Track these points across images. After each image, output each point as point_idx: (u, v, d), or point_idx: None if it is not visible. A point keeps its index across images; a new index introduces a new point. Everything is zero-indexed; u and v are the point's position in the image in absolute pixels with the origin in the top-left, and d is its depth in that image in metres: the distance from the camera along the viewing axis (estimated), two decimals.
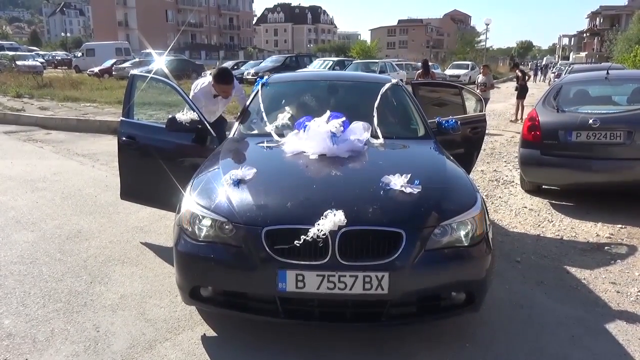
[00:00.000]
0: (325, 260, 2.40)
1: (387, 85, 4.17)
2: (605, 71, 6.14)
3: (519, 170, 6.33)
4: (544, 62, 55.35)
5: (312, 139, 3.23)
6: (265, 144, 3.57)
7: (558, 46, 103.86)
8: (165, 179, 3.75)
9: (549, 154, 5.51)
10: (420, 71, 11.58)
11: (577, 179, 5.50)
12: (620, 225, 4.97)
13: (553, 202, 5.78)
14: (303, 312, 2.60)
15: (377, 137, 3.59)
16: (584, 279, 3.80)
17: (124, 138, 4.18)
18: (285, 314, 2.54)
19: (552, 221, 5.18)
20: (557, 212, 5.47)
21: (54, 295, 3.35)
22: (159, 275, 3.63)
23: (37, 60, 33.01)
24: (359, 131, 3.37)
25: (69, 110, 12.87)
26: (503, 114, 14.96)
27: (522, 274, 3.89)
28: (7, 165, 7.22)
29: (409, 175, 2.75)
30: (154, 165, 4.06)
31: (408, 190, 2.67)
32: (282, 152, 3.32)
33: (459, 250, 2.60)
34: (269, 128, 3.73)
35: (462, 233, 2.62)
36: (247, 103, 4.23)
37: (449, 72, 32.90)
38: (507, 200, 5.96)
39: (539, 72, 41.35)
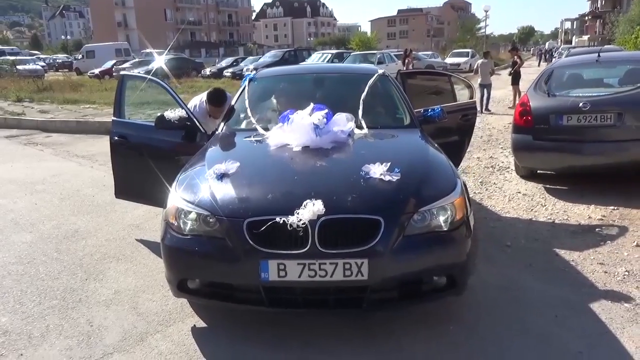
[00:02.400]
0: (306, 249, 2.45)
1: (374, 77, 4.19)
2: (597, 54, 6.14)
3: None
4: (546, 47, 54.99)
5: (295, 131, 3.29)
6: (250, 139, 3.62)
7: (560, 30, 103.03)
8: (157, 177, 3.82)
9: (541, 139, 5.52)
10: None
11: (569, 162, 5.52)
12: (612, 207, 4.99)
13: (547, 186, 5.81)
14: (287, 300, 2.66)
15: (361, 128, 3.63)
16: (573, 260, 3.84)
17: (115, 138, 4.24)
18: (270, 302, 2.60)
19: (545, 205, 5.21)
20: (550, 196, 5.50)
21: (49, 293, 3.43)
22: (153, 270, 3.71)
23: (38, 64, 33.14)
24: (342, 122, 3.42)
25: (69, 112, 12.98)
26: (502, 100, 14.91)
27: (511, 257, 3.94)
28: (7, 169, 7.33)
29: (388, 164, 2.80)
30: (146, 163, 4.12)
31: (387, 178, 2.72)
32: (267, 145, 3.37)
33: (438, 235, 2.65)
34: (255, 122, 3.78)
35: (442, 218, 2.67)
36: (235, 99, 4.28)
37: (449, 60, 32.81)
38: (502, 186, 5.99)
39: (543, 57, 41.14)
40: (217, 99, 4.28)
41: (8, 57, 33.97)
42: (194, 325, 2.99)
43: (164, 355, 2.70)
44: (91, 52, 37.99)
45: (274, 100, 4.06)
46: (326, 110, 3.39)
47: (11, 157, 8.32)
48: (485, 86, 13.13)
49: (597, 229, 4.48)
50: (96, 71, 29.23)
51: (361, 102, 3.85)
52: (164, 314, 3.12)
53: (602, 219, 4.74)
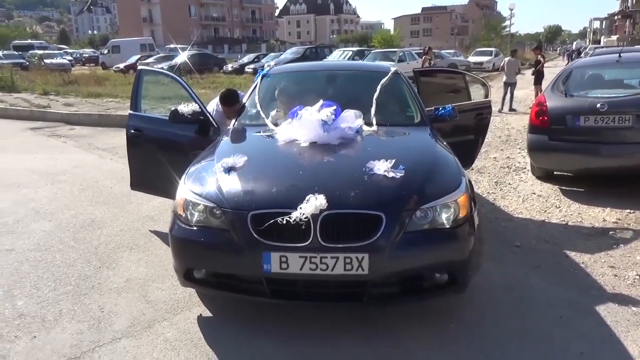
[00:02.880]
0: (307, 243, 2.50)
1: (386, 76, 4.20)
2: (618, 54, 6.04)
3: None
4: (573, 47, 53.87)
5: (303, 127, 3.33)
6: (260, 134, 3.68)
7: (589, 30, 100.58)
8: (171, 169, 3.90)
9: (557, 140, 5.46)
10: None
11: (585, 164, 5.45)
12: (628, 210, 4.92)
13: (563, 188, 5.74)
14: (288, 292, 2.71)
15: (370, 125, 3.66)
16: (583, 262, 3.81)
17: (132, 131, 4.35)
18: (272, 294, 2.66)
19: (559, 207, 5.16)
20: (565, 198, 5.44)
21: (64, 279, 3.55)
22: (164, 260, 3.80)
23: (65, 59, 33.88)
24: (351, 119, 3.45)
25: (92, 106, 13.26)
26: (524, 100, 14.70)
27: (519, 258, 3.92)
28: (31, 160, 7.54)
29: (393, 161, 2.83)
30: (160, 156, 4.23)
31: (391, 174, 2.75)
32: (275, 140, 3.43)
33: (440, 232, 2.67)
34: (265, 118, 3.84)
35: (444, 216, 2.69)
36: (248, 95, 4.34)
37: (472, 59, 32.43)
38: (517, 186, 5.94)
39: (572, 57, 40.35)
40: (229, 99, 4.34)
41: (37, 51, 34.89)
42: (200, 314, 3.06)
43: (170, 342, 2.78)
44: (116, 47, 38.57)
45: (285, 97, 4.10)
46: (334, 107, 3.43)
47: (35, 148, 8.56)
48: (510, 85, 12.99)
49: (610, 232, 4.43)
50: (121, 66, 29.65)
51: (374, 101, 3.87)
52: (172, 302, 3.21)
53: (617, 222, 4.67)
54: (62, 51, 44.62)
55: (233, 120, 4.09)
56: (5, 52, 36.24)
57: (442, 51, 33.02)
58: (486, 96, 5.23)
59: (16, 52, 37.20)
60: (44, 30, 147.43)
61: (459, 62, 29.30)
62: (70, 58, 37.92)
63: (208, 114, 4.13)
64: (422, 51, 21.14)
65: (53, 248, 4.13)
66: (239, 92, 4.52)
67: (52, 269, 3.72)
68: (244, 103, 4.24)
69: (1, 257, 3.94)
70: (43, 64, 26.32)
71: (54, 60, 30.02)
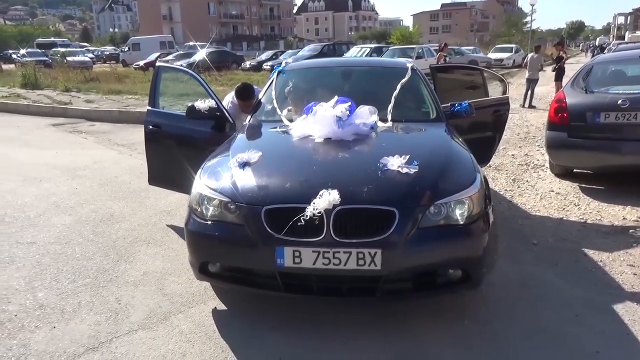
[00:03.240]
0: (321, 238, 2.51)
1: (407, 74, 4.17)
2: None
3: None
4: (597, 43, 52.81)
5: (318, 122, 3.35)
6: (275, 129, 3.71)
7: (613, 25, 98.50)
8: (187, 165, 3.95)
9: (577, 136, 5.38)
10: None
11: (605, 161, 5.35)
12: None
13: (583, 185, 5.65)
14: (302, 286, 2.73)
15: (385, 121, 3.65)
16: (601, 261, 3.75)
17: (150, 127, 4.41)
18: (285, 288, 2.68)
19: (578, 205, 5.08)
20: (585, 195, 5.35)
21: (83, 272, 3.63)
22: (180, 255, 3.85)
23: (86, 56, 34.41)
24: (365, 115, 3.45)
25: (112, 102, 13.46)
26: (544, 97, 14.48)
27: (536, 255, 3.88)
28: (52, 155, 7.70)
29: (407, 156, 2.82)
30: (177, 151, 4.29)
31: (404, 170, 2.74)
32: (290, 136, 3.45)
33: (454, 228, 2.65)
34: (281, 114, 3.86)
35: (458, 212, 2.68)
36: (263, 91, 4.37)
37: (491, 55, 32.02)
38: (535, 184, 5.87)
39: (595, 52, 39.61)
40: (245, 93, 4.37)
41: (59, 49, 35.53)
42: (215, 307, 3.11)
43: (185, 335, 2.83)
44: (137, 45, 38.99)
45: (300, 93, 4.12)
46: (349, 103, 3.43)
47: (57, 144, 8.73)
48: (532, 81, 12.83)
49: (630, 231, 4.35)
50: (141, 63, 30.01)
51: (393, 98, 3.86)
52: (187, 295, 3.26)
53: (638, 221, 4.59)
54: (83, 49, 45.42)
55: (249, 116, 4.12)
56: (29, 50, 36.97)
57: (462, 47, 32.68)
58: (504, 92, 5.18)
59: (39, 50, 37.98)
60: (67, 28, 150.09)
61: (479, 58, 28.95)
62: (91, 56, 38.49)
63: (224, 110, 4.16)
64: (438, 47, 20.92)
65: (73, 241, 4.21)
66: (254, 87, 4.55)
67: (72, 262, 3.80)
68: (260, 99, 4.27)
69: (23, 250, 4.04)
70: (65, 61, 26.78)
71: (76, 58, 30.48)
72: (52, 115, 12.22)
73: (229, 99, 4.69)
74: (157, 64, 4.80)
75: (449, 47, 17.66)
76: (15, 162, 7.21)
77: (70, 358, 2.63)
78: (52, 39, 55.58)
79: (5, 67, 30.85)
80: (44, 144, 8.73)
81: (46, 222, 4.71)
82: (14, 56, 37.50)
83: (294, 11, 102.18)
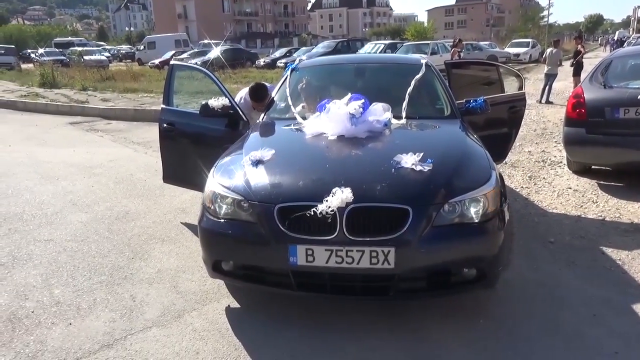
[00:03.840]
0: (334, 236, 2.50)
1: (421, 71, 4.13)
2: None
3: None
4: (616, 37, 51.82)
5: (331, 120, 3.33)
6: (289, 127, 3.70)
7: (632, 18, 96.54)
8: (201, 163, 3.97)
9: (595, 132, 5.28)
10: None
11: (624, 158, 5.25)
12: None
13: (601, 182, 5.56)
14: (315, 284, 2.72)
15: (399, 118, 3.62)
16: (620, 259, 3.68)
17: (164, 125, 4.43)
18: (298, 286, 2.67)
19: (596, 202, 5.00)
20: (603, 193, 5.26)
21: (99, 269, 3.67)
22: (194, 252, 3.87)
23: (103, 55, 34.76)
24: (379, 112, 3.42)
25: (128, 101, 13.58)
26: (562, 92, 14.25)
27: (553, 254, 3.82)
28: (69, 153, 7.80)
29: (421, 154, 2.79)
30: (191, 149, 4.31)
31: (418, 168, 2.71)
32: (303, 134, 3.43)
33: (469, 226, 2.62)
34: (294, 111, 3.85)
35: (473, 210, 2.64)
36: (277, 88, 4.36)
37: (508, 50, 31.63)
38: (552, 181, 5.78)
39: (614, 46, 38.88)
40: (258, 93, 4.34)
41: (76, 48, 35.96)
42: (229, 305, 3.11)
43: (198, 332, 2.84)
44: (152, 43, 39.25)
45: (314, 90, 4.10)
46: (363, 100, 3.41)
47: (74, 142, 8.83)
48: (550, 76, 12.65)
49: None
50: (156, 61, 30.23)
51: (407, 95, 3.81)
52: (201, 293, 3.27)
53: None
54: (100, 48, 45.91)
55: (262, 114, 4.11)
56: (47, 49, 37.48)
57: (480, 43, 32.33)
58: (520, 88, 5.10)
59: (57, 50, 38.45)
60: (84, 28, 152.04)
61: (498, 53, 28.65)
62: (108, 54, 38.84)
63: (238, 108, 4.17)
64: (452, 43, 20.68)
65: (89, 239, 4.26)
66: (268, 85, 4.54)
67: (88, 259, 3.84)
68: (273, 97, 4.26)
69: (40, 247, 4.09)
70: (82, 60, 27.14)
71: (93, 57, 30.82)
72: (69, 114, 12.38)
73: (241, 94, 4.69)
74: (172, 62, 4.82)
75: (463, 42, 17.36)
76: (34, 160, 7.32)
77: (86, 355, 2.66)
78: (70, 38, 56.27)
79: (24, 66, 31.40)
80: (61, 143, 8.85)
81: (63, 219, 4.77)
82: (32, 56, 38.09)
83: (308, 8, 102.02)
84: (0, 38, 54.46)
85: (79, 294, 3.30)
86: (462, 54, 15.21)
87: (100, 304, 3.16)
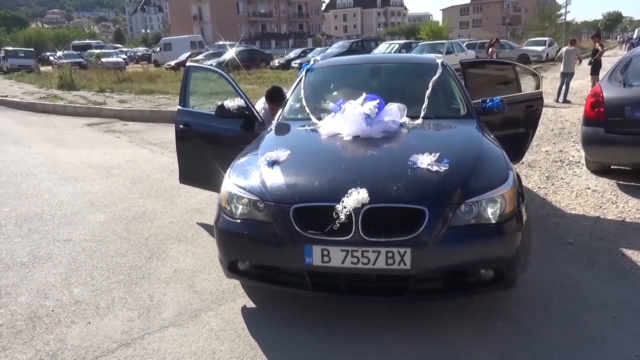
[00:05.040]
0: (349, 236, 2.49)
1: (438, 71, 4.10)
2: None
3: None
4: (635, 35, 50.93)
5: (347, 120, 3.32)
6: (304, 128, 3.70)
7: None
8: (217, 163, 3.99)
9: (614, 132, 5.20)
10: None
11: None
12: None
13: (621, 183, 5.47)
14: (330, 285, 2.72)
15: (415, 118, 3.60)
16: None
17: (180, 126, 4.47)
18: (314, 286, 2.68)
19: (615, 202, 4.92)
20: (623, 193, 5.17)
21: (117, 269, 3.71)
22: (210, 252, 3.89)
23: (120, 57, 35.18)
24: (394, 112, 3.41)
25: (145, 102, 13.73)
26: (579, 91, 14.06)
27: (571, 255, 3.77)
28: (87, 154, 7.91)
29: (437, 154, 2.78)
30: (207, 150, 4.34)
31: (434, 168, 2.70)
32: (319, 134, 3.43)
33: (486, 227, 2.59)
34: (309, 112, 3.85)
35: (490, 210, 2.61)
36: (292, 89, 4.37)
37: (525, 49, 31.28)
38: (570, 181, 5.71)
39: (634, 45, 38.25)
40: (274, 95, 4.43)
41: (94, 50, 36.45)
42: (245, 305, 3.13)
43: (215, 332, 2.86)
44: (168, 45, 39.59)
45: (329, 90, 4.10)
46: (378, 100, 3.40)
47: (92, 143, 8.96)
48: (567, 75, 12.48)
49: None
50: (172, 63, 30.47)
51: (426, 97, 3.79)
52: (217, 293, 3.29)
53: None
54: (117, 50, 46.42)
55: (278, 114, 4.13)
56: (65, 52, 38.06)
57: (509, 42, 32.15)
58: (537, 87, 5.05)
59: (75, 52, 39.02)
60: (101, 30, 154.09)
61: (530, 52, 28.50)
62: (124, 56, 39.26)
63: (253, 109, 4.19)
64: (473, 43, 20.49)
65: (107, 239, 4.31)
66: (283, 90, 4.58)
67: (106, 259, 3.89)
68: (288, 97, 4.27)
69: (60, 247, 4.15)
70: (100, 62, 27.49)
71: (110, 59, 31.21)
72: (87, 115, 12.56)
73: (261, 105, 4.72)
74: (188, 64, 4.86)
75: (499, 41, 17.14)
76: (53, 161, 7.44)
77: (104, 353, 2.69)
78: (87, 41, 57.15)
79: (43, 69, 31.90)
80: (79, 144, 8.98)
81: (81, 219, 4.83)
82: (51, 58, 38.69)
83: (323, 8, 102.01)
84: (20, 41, 55.53)
85: (97, 293, 3.35)
86: (498, 54, 15.00)
87: (118, 303, 3.20)
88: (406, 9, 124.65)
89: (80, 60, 32.55)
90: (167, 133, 9.62)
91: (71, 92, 17.18)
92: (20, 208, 5.20)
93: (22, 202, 5.43)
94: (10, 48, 37.54)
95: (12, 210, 5.14)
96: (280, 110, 4.18)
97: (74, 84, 18.73)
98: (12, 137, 9.78)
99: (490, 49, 16.30)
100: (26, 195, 5.69)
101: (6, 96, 16.76)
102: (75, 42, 52.47)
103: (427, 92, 3.84)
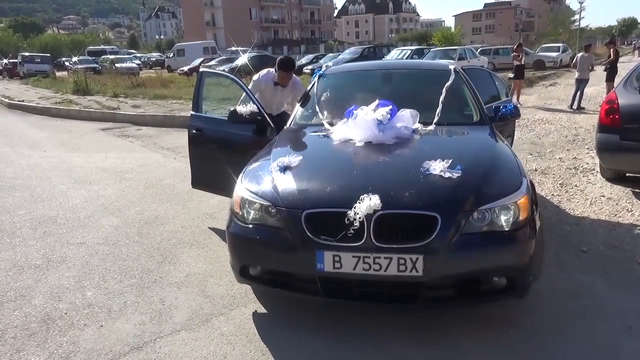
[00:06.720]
0: (361, 243, 2.49)
1: (451, 77, 4.10)
2: None
3: None
4: None
5: (359, 126, 3.33)
6: (316, 133, 3.71)
7: None
8: (229, 168, 4.01)
9: (630, 139, 5.14)
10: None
11: None
12: None
13: (636, 190, 5.40)
14: (342, 291, 2.71)
15: (428, 124, 3.59)
16: None
17: (193, 131, 4.51)
18: (325, 292, 2.67)
19: (631, 210, 4.85)
20: (638, 201, 5.11)
21: (129, 272, 3.74)
22: (222, 257, 3.91)
23: (134, 62, 35.57)
24: (407, 119, 3.41)
25: (158, 107, 13.85)
26: (594, 97, 13.94)
27: (586, 263, 3.72)
28: (101, 159, 8.00)
29: (450, 161, 2.77)
30: (220, 155, 4.36)
31: (447, 175, 2.69)
32: (331, 140, 3.44)
33: (499, 235, 2.58)
34: (322, 118, 3.86)
35: (503, 218, 2.60)
36: (304, 94, 4.39)
37: (540, 55, 31.08)
38: (584, 188, 5.64)
39: None
40: (288, 64, 4.64)
41: (108, 56, 36.94)
42: (256, 310, 3.13)
43: (226, 337, 2.86)
44: (181, 51, 39.97)
45: (341, 96, 4.11)
46: (390, 107, 3.40)
47: (106, 148, 9.06)
48: (581, 81, 12.37)
49: None
50: (185, 68, 30.70)
51: (440, 103, 3.78)
52: (229, 298, 3.30)
53: None
54: (131, 55, 46.98)
55: (290, 120, 4.15)
56: (80, 57, 38.61)
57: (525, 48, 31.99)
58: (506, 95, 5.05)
59: (90, 57, 39.56)
60: (116, 36, 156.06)
61: (545, 57, 28.34)
62: (138, 62, 39.69)
63: (265, 114, 4.21)
64: (487, 49, 20.37)
65: (119, 242, 4.35)
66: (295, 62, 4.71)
67: (119, 262, 3.92)
68: (302, 101, 4.29)
69: (73, 250, 4.20)
70: (114, 68, 27.83)
71: (124, 65, 31.58)
72: (101, 120, 12.70)
73: (261, 71, 4.91)
74: (201, 69, 4.90)
75: (523, 47, 16.89)
76: (67, 165, 7.53)
77: (117, 357, 2.71)
78: (102, 46, 57.94)
79: (58, 74, 32.38)
80: (93, 148, 9.07)
81: (95, 223, 4.88)
82: (66, 63, 39.29)
83: (335, 14, 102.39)
84: (36, 47, 56.44)
85: (110, 296, 3.37)
86: (522, 59, 14.79)
87: (130, 307, 3.22)
88: (418, 15, 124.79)
89: (95, 65, 32.98)
90: (180, 138, 9.68)
91: (86, 97, 17.38)
92: (35, 211, 5.27)
93: (37, 205, 5.50)
94: (27, 54, 38.22)
95: (27, 214, 5.20)
96: (292, 115, 4.21)
97: (88, 89, 18.95)
98: (28, 142, 9.93)
99: (514, 54, 16.17)
100: (41, 198, 5.76)
101: (22, 101, 17.02)
102: (91, 47, 53.21)
103: (441, 98, 3.83)
